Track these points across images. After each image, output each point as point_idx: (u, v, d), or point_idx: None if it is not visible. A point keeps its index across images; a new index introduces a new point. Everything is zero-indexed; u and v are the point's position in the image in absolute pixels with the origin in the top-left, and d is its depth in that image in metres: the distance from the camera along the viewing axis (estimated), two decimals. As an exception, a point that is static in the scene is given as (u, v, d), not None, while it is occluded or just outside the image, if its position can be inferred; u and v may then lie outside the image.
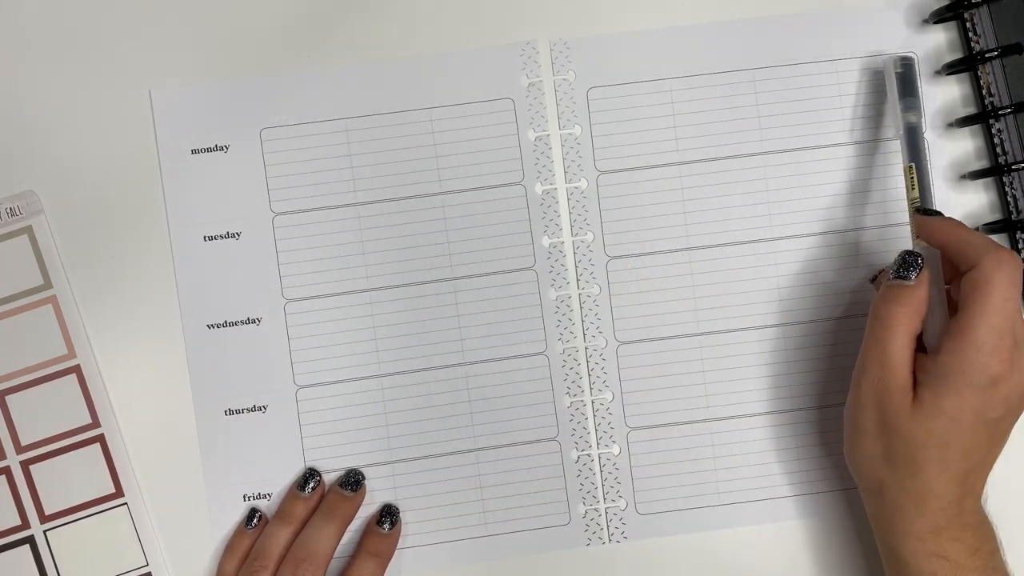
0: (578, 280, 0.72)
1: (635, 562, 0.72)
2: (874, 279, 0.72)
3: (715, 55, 0.72)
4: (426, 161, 0.72)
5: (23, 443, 0.71)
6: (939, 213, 0.64)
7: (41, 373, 0.71)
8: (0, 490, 0.71)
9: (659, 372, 0.73)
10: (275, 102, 0.72)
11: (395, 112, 0.72)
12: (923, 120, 0.69)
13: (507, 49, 0.72)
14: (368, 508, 0.72)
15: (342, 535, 0.70)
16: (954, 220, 0.64)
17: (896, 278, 0.63)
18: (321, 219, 0.72)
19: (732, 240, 0.72)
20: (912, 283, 0.62)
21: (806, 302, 0.72)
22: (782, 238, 0.72)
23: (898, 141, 0.70)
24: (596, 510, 0.72)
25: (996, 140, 0.71)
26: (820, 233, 0.72)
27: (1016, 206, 0.71)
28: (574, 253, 0.72)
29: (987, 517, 0.64)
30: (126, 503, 0.71)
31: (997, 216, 0.72)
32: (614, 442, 0.72)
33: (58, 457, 0.71)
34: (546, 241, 0.72)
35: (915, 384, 0.61)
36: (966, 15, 0.71)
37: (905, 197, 0.68)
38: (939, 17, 0.71)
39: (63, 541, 0.71)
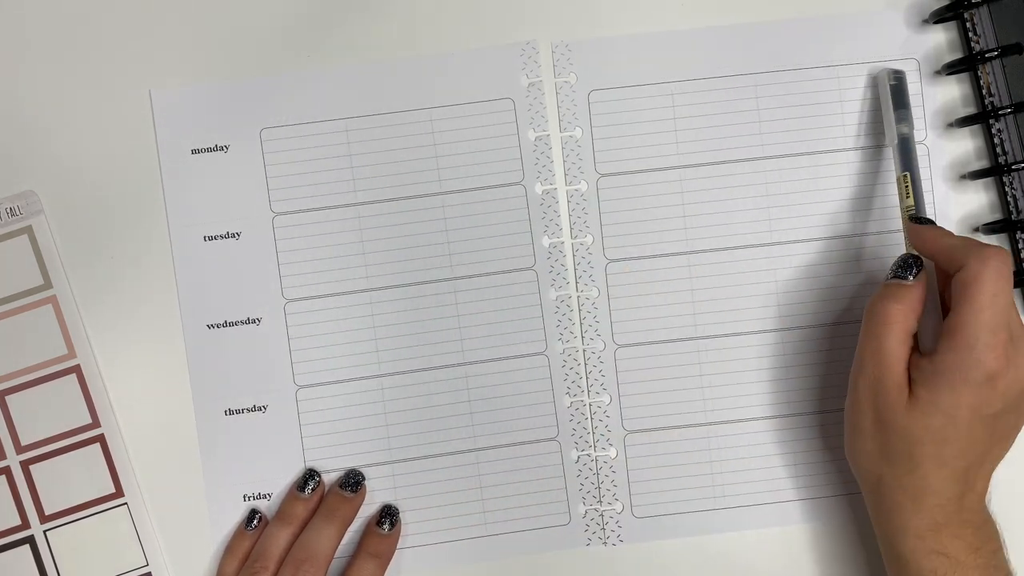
0: (577, 282, 0.72)
1: (635, 562, 0.72)
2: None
3: (716, 59, 0.72)
4: (426, 161, 0.72)
5: (23, 443, 0.71)
6: (931, 222, 0.65)
7: (41, 373, 0.71)
8: (0, 490, 0.71)
9: (657, 376, 0.73)
10: (275, 102, 0.72)
11: (395, 112, 0.72)
12: (915, 131, 0.70)
13: (507, 49, 0.72)
14: (368, 508, 0.72)
15: (342, 536, 0.70)
16: (943, 228, 0.64)
17: (894, 278, 0.63)
18: (321, 219, 0.72)
19: (731, 244, 0.72)
20: (910, 282, 0.62)
21: (805, 307, 0.72)
22: (781, 243, 0.72)
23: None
24: (596, 510, 0.72)
25: (996, 140, 0.71)
26: (819, 239, 0.72)
27: (1016, 206, 0.71)
28: (573, 255, 0.72)
29: (990, 516, 0.64)
30: (126, 503, 0.71)
31: (997, 216, 0.72)
32: (611, 445, 0.72)
33: (58, 457, 0.71)
34: (546, 241, 0.72)
35: (911, 382, 0.61)
36: (966, 15, 0.71)
37: (900, 206, 0.68)
38: (939, 17, 0.71)
39: (63, 541, 0.71)
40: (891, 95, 0.70)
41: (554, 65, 0.72)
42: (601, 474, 0.72)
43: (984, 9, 0.70)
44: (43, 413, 0.71)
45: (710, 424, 0.72)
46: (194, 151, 0.72)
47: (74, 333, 0.71)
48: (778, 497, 0.72)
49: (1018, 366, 0.60)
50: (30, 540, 0.71)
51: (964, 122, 0.72)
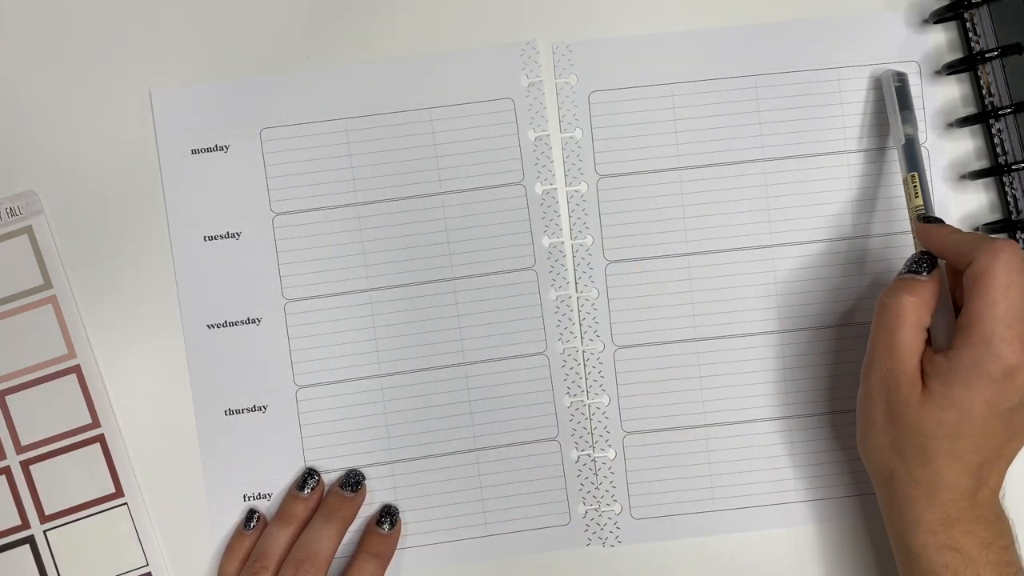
0: (577, 283, 0.72)
1: (635, 563, 0.72)
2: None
3: (717, 61, 0.72)
4: (426, 161, 0.72)
5: (23, 443, 0.71)
6: (940, 220, 0.64)
7: (41, 373, 0.71)
8: (0, 490, 0.71)
9: (656, 377, 0.73)
10: (275, 102, 0.72)
11: (395, 112, 0.72)
12: (919, 131, 0.70)
13: (507, 49, 0.72)
14: (368, 508, 0.72)
15: (343, 536, 0.70)
16: (951, 226, 0.64)
17: (908, 273, 0.63)
18: (321, 219, 0.72)
19: (731, 246, 0.72)
20: (923, 278, 0.62)
21: (804, 309, 0.72)
22: (781, 244, 0.72)
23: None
24: (596, 510, 0.72)
25: (996, 140, 0.71)
26: (819, 240, 0.72)
27: (1016, 206, 0.71)
28: (573, 256, 0.72)
29: (1003, 512, 0.63)
30: (126, 503, 0.71)
31: (997, 216, 0.72)
32: (610, 446, 0.72)
33: (58, 457, 0.71)
34: (546, 241, 0.72)
35: (924, 376, 0.61)
36: (966, 15, 0.71)
37: (906, 206, 0.68)
38: (939, 17, 0.71)
39: (63, 541, 0.71)
40: (896, 96, 0.70)
41: (555, 66, 0.72)
42: (600, 475, 0.72)
43: (984, 9, 0.70)
44: (43, 413, 0.71)
45: (709, 426, 0.72)
46: (194, 151, 0.72)
47: (74, 333, 0.71)
48: (776, 499, 0.72)
49: None
50: (30, 540, 0.71)
51: (964, 122, 0.72)
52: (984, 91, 0.71)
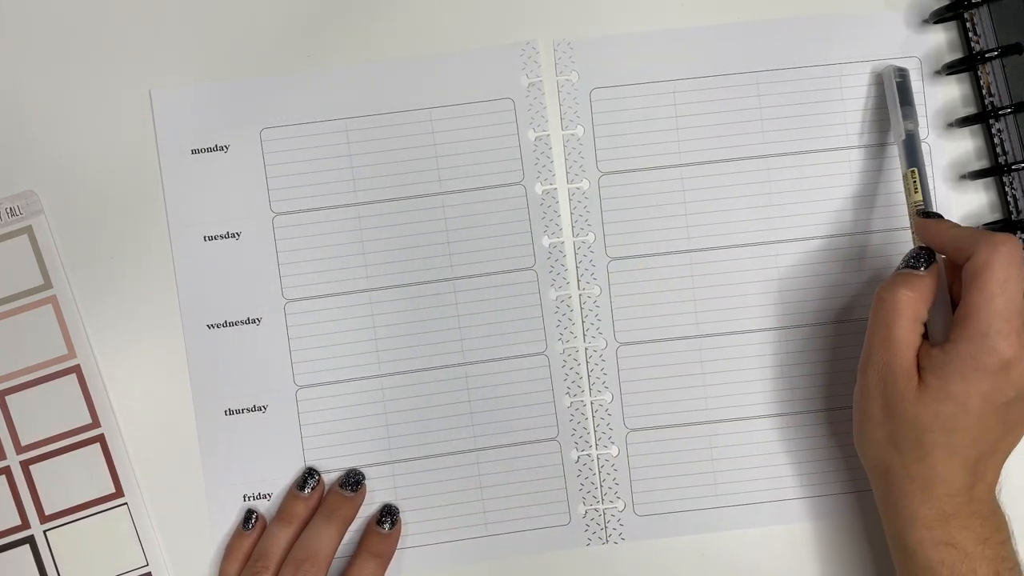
0: (579, 281, 0.72)
1: (635, 563, 0.72)
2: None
3: (718, 57, 0.72)
4: (426, 161, 0.72)
5: (23, 443, 0.71)
6: (939, 215, 0.64)
7: (41, 373, 0.71)
8: (0, 490, 0.71)
9: (659, 374, 0.73)
10: (275, 102, 0.72)
11: (395, 112, 0.72)
12: (920, 127, 0.70)
13: (507, 49, 0.72)
14: (368, 508, 0.72)
15: (343, 535, 0.70)
16: (950, 221, 0.64)
17: (905, 268, 0.63)
18: (321, 219, 0.72)
19: (733, 243, 0.72)
20: (921, 272, 0.62)
21: (806, 305, 0.72)
22: (783, 241, 0.72)
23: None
24: (596, 510, 0.72)
25: (996, 140, 0.71)
26: (821, 236, 0.72)
27: (1016, 206, 0.71)
28: (575, 254, 0.72)
29: (999, 507, 0.63)
30: (126, 503, 0.71)
31: (997, 216, 0.73)
32: (612, 443, 0.72)
33: (58, 457, 0.71)
34: (546, 241, 0.72)
35: (920, 370, 0.61)
36: (966, 15, 0.71)
37: (905, 202, 0.68)
38: (939, 17, 0.71)
39: (63, 541, 0.71)
40: (897, 92, 0.70)
41: (556, 63, 0.72)
42: (603, 472, 0.72)
43: (984, 9, 0.70)
44: (43, 413, 0.71)
45: (712, 422, 0.72)
46: (194, 151, 0.72)
47: (74, 333, 0.71)
48: (779, 495, 0.73)
49: None
50: (30, 540, 0.71)
51: (964, 122, 0.72)
52: (984, 91, 0.71)
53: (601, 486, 0.72)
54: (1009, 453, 0.63)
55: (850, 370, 0.71)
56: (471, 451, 0.72)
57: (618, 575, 0.72)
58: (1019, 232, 0.71)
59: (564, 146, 0.72)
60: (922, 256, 0.63)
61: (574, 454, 0.72)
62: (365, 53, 0.72)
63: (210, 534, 0.71)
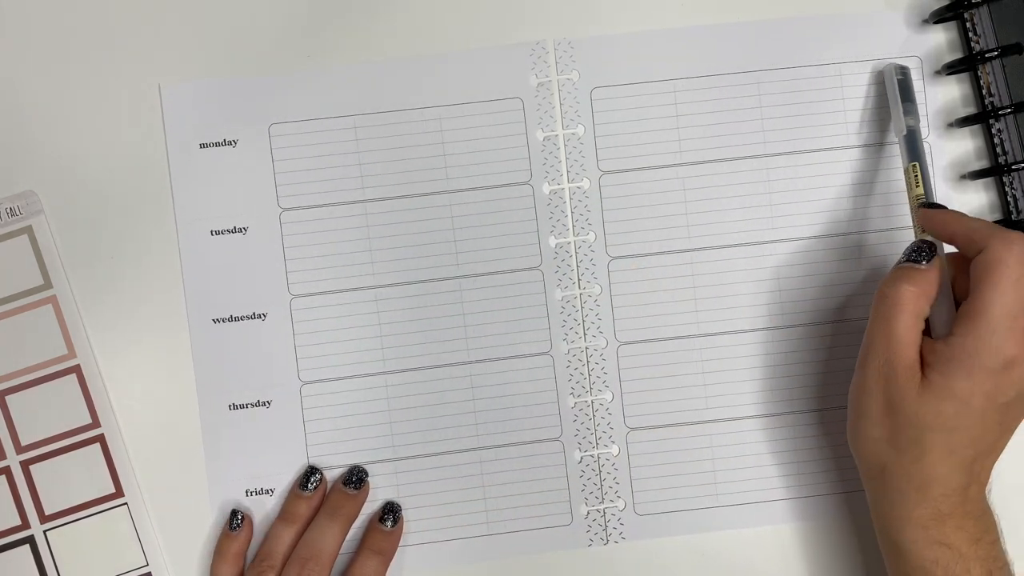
0: (579, 280, 0.72)
1: (636, 563, 0.72)
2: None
3: (717, 57, 0.73)
4: (434, 159, 0.72)
5: (23, 443, 0.71)
6: (943, 207, 0.64)
7: (41, 373, 0.71)
8: (0, 490, 0.71)
9: (659, 373, 0.73)
10: (284, 98, 0.72)
11: (404, 110, 0.72)
12: (920, 123, 0.70)
13: (517, 49, 0.72)
14: (370, 505, 0.72)
15: (346, 533, 0.70)
16: (958, 212, 0.64)
17: (907, 262, 0.62)
18: (328, 215, 0.72)
19: (733, 242, 0.73)
20: (923, 266, 0.62)
21: (807, 304, 0.73)
22: (783, 240, 0.72)
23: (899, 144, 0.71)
24: (598, 511, 0.72)
25: (996, 140, 0.71)
26: (822, 236, 0.73)
27: (1016, 206, 0.71)
28: (576, 253, 0.72)
29: (989, 507, 0.63)
30: (126, 503, 0.71)
31: (997, 216, 0.73)
32: (613, 443, 0.73)
33: (58, 457, 0.71)
34: (552, 241, 0.72)
35: (924, 366, 0.60)
36: (966, 15, 0.71)
37: (907, 197, 0.68)
38: (939, 17, 0.72)
39: (63, 541, 0.71)
40: (898, 88, 0.70)
41: (556, 63, 0.72)
42: (603, 471, 0.72)
43: (984, 9, 0.70)
44: (43, 413, 0.71)
45: (712, 421, 0.73)
46: (202, 145, 0.72)
47: (74, 333, 0.71)
48: (780, 495, 0.73)
49: None
50: (30, 540, 0.71)
51: (964, 122, 0.72)
52: (984, 91, 0.71)
53: (602, 485, 0.72)
54: (1001, 453, 0.63)
55: (850, 369, 0.71)
56: (474, 450, 0.72)
57: (618, 575, 0.72)
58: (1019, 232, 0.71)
59: (564, 146, 0.72)
60: (924, 249, 0.62)
61: (577, 455, 0.72)
62: (375, 50, 0.72)
63: (212, 529, 0.71)
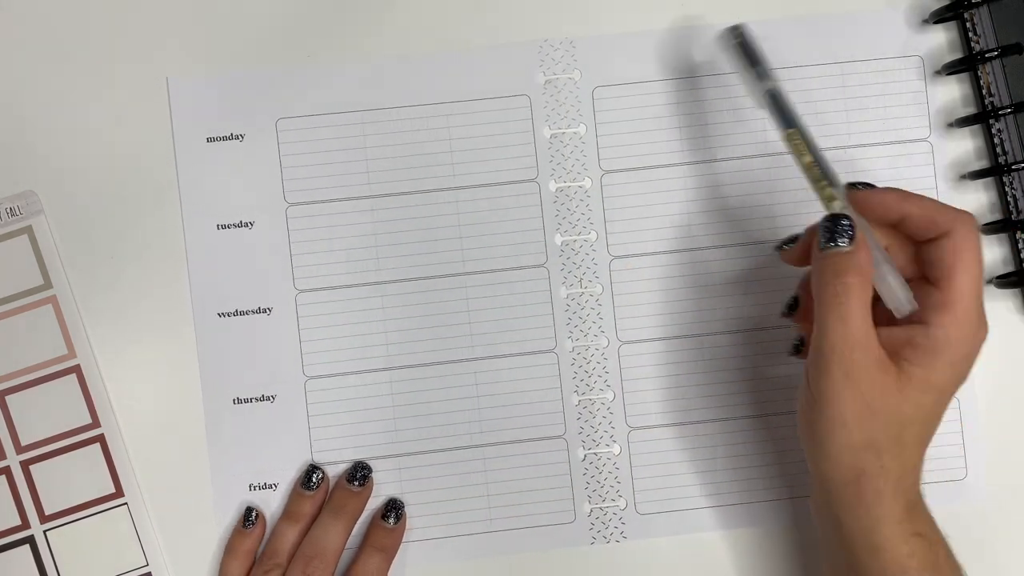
0: (581, 279, 0.72)
1: (638, 562, 0.72)
2: (781, 247, 0.65)
3: (718, 57, 0.73)
4: (441, 156, 0.72)
5: (23, 443, 0.71)
6: (870, 184, 0.61)
7: (41, 373, 0.71)
8: (0, 490, 0.71)
9: (660, 372, 0.73)
10: (292, 93, 0.72)
11: (411, 106, 0.72)
12: (779, 82, 0.65)
13: (525, 46, 0.73)
14: (374, 501, 0.72)
15: (351, 530, 0.70)
16: (898, 190, 0.60)
17: (830, 244, 0.58)
18: (335, 211, 0.72)
19: (735, 241, 0.73)
20: (849, 248, 0.57)
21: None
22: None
23: (906, 143, 0.72)
24: (601, 509, 0.72)
25: (996, 140, 0.71)
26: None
27: (1016, 206, 0.71)
28: (577, 252, 0.72)
29: None
30: (126, 503, 0.71)
31: (997, 216, 0.73)
32: (615, 441, 0.73)
33: (58, 457, 0.71)
34: (559, 239, 0.72)
35: (896, 358, 0.57)
36: (966, 15, 0.71)
37: (800, 168, 0.62)
38: (939, 17, 0.72)
39: (63, 541, 0.71)
40: (743, 54, 0.66)
41: (558, 62, 0.73)
42: (605, 470, 0.72)
43: (984, 9, 0.71)
44: (43, 413, 0.71)
45: (714, 421, 0.73)
46: (209, 139, 0.72)
47: (74, 333, 0.71)
48: (782, 494, 0.73)
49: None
50: (30, 540, 0.71)
51: (964, 122, 0.72)
52: (984, 91, 0.72)
53: (604, 484, 0.72)
54: None
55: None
56: (477, 447, 0.72)
57: (619, 574, 0.72)
58: (1019, 232, 0.71)
59: (566, 145, 0.72)
60: (842, 228, 0.58)
61: (581, 452, 0.72)
62: (380, 48, 0.72)
63: (214, 524, 0.71)
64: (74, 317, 0.71)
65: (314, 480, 0.70)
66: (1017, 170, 0.71)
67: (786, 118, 0.63)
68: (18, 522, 0.71)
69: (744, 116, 0.73)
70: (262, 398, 0.72)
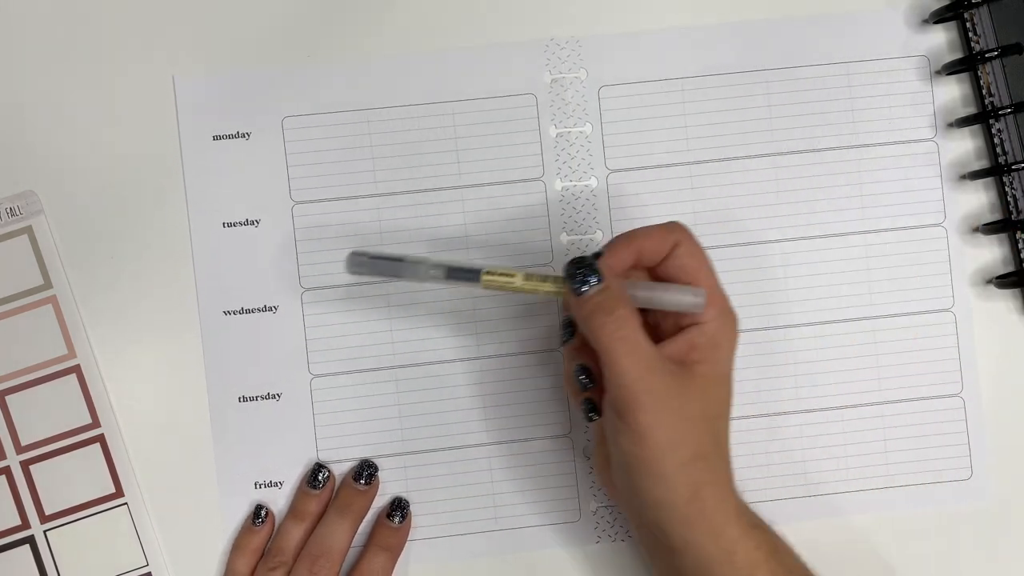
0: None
1: (643, 560, 0.72)
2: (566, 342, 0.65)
3: (724, 56, 0.73)
4: (447, 154, 0.72)
5: (23, 443, 0.71)
6: (598, 253, 0.61)
7: (41, 373, 0.71)
8: (0, 490, 0.70)
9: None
10: (298, 91, 0.72)
11: (418, 104, 0.72)
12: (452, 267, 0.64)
13: (531, 45, 0.73)
14: (379, 500, 0.72)
15: (357, 529, 0.70)
16: (619, 236, 0.61)
17: (584, 291, 0.58)
18: (341, 209, 0.72)
19: (740, 241, 0.73)
20: (603, 284, 0.58)
21: (814, 303, 0.73)
22: (791, 239, 0.73)
23: (908, 143, 0.72)
24: (607, 508, 0.72)
25: (996, 140, 0.72)
26: (830, 235, 0.73)
27: (1016, 206, 0.72)
28: (583, 252, 0.72)
29: None
30: (126, 503, 0.71)
31: (997, 216, 0.73)
32: (618, 441, 0.73)
33: (58, 457, 0.71)
34: (564, 238, 0.72)
35: (691, 363, 0.59)
36: (966, 15, 0.71)
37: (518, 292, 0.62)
38: (939, 17, 0.72)
39: (63, 541, 0.71)
40: (385, 265, 0.63)
41: (564, 61, 0.73)
42: (609, 469, 0.72)
43: (984, 9, 0.71)
44: (43, 413, 0.71)
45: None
46: (216, 137, 0.72)
47: (74, 333, 0.71)
48: (786, 493, 0.73)
49: None
50: (30, 540, 0.71)
51: (964, 122, 0.72)
52: (984, 91, 0.72)
53: (606, 483, 0.72)
54: None
55: (858, 368, 0.72)
56: (483, 445, 0.72)
57: (624, 573, 0.72)
58: (1019, 232, 0.71)
59: (571, 144, 0.73)
60: (584, 270, 0.59)
61: (586, 451, 0.72)
62: (387, 46, 0.73)
63: (219, 522, 0.71)
64: (74, 317, 0.71)
65: (320, 479, 0.70)
66: (1017, 170, 0.71)
67: (469, 274, 0.62)
68: (18, 522, 0.71)
69: (750, 115, 0.73)
70: (267, 396, 0.72)
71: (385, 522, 0.71)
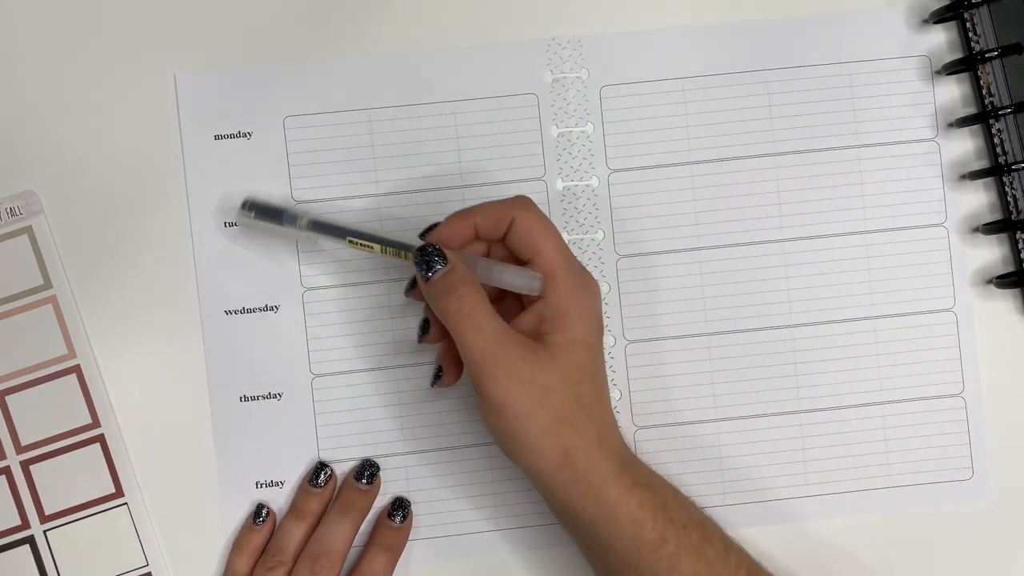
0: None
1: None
2: (409, 291, 0.68)
3: (724, 56, 0.73)
4: (448, 154, 0.72)
5: (23, 443, 0.71)
6: (429, 227, 0.64)
7: (41, 373, 0.71)
8: (0, 490, 0.70)
9: (667, 372, 0.73)
10: (299, 91, 0.72)
11: (419, 104, 0.72)
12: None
13: (533, 45, 0.73)
14: (380, 499, 0.72)
15: (358, 529, 0.70)
16: (457, 212, 0.63)
17: (430, 275, 0.61)
18: (342, 208, 0.72)
19: (742, 240, 0.73)
20: (448, 267, 0.60)
21: (815, 303, 0.73)
22: (791, 239, 0.73)
23: (909, 143, 0.72)
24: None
25: (996, 140, 0.72)
26: (830, 235, 0.73)
27: (1016, 206, 0.72)
28: (584, 251, 0.72)
29: None
30: (126, 503, 0.71)
31: (997, 216, 0.73)
32: (621, 441, 0.73)
33: (58, 457, 0.71)
34: (566, 237, 0.72)
35: (540, 335, 0.61)
36: (966, 15, 0.71)
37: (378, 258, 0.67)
38: (939, 17, 0.72)
39: (63, 541, 0.71)
40: (265, 215, 0.69)
41: (565, 60, 0.73)
42: (610, 469, 0.72)
43: (984, 9, 0.71)
44: (43, 413, 0.71)
45: (719, 420, 0.73)
46: (217, 137, 0.72)
47: (74, 333, 0.71)
48: (789, 493, 0.73)
49: None
50: (30, 540, 0.71)
51: (964, 122, 0.72)
52: (984, 91, 0.72)
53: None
54: None
55: (858, 368, 0.72)
56: (483, 444, 0.72)
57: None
58: (1019, 232, 0.71)
59: (573, 143, 0.73)
60: (431, 254, 0.61)
61: (586, 450, 0.72)
62: (389, 45, 0.73)
63: (220, 522, 0.71)
64: (74, 317, 0.71)
65: (322, 478, 0.70)
66: (1017, 170, 0.71)
67: (337, 231, 0.67)
68: (18, 522, 0.71)
69: (751, 115, 0.73)
70: (269, 396, 0.72)
71: (386, 522, 0.70)
